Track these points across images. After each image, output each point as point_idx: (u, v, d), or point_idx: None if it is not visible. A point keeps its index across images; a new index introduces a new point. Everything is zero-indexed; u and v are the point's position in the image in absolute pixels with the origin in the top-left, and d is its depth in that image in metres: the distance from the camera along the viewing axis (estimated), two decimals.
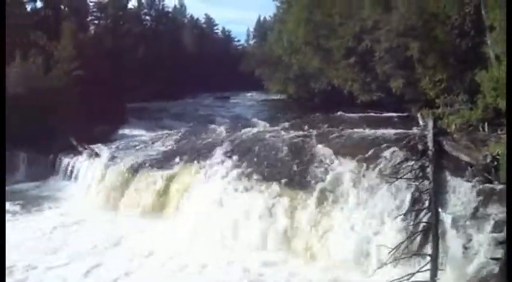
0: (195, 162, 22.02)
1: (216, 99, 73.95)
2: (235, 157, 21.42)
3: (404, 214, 14.54)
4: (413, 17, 28.45)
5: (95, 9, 69.66)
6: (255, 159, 20.85)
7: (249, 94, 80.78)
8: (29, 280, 15.66)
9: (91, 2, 67.96)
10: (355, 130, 25.13)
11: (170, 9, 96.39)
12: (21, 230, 20.32)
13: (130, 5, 76.85)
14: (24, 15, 43.73)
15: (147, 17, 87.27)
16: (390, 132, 23.72)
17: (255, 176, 19.01)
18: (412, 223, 14.25)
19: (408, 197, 15.09)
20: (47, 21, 45.42)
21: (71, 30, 39.06)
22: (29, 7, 47.98)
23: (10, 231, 19.71)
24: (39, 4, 48.84)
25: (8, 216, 21.99)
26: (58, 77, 34.10)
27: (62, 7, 51.61)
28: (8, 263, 16.07)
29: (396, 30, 30.50)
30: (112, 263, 16.72)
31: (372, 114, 34.64)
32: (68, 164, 28.12)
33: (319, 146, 21.05)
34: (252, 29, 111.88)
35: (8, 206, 23.20)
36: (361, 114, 34.45)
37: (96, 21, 68.21)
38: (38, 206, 23.71)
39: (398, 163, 17.31)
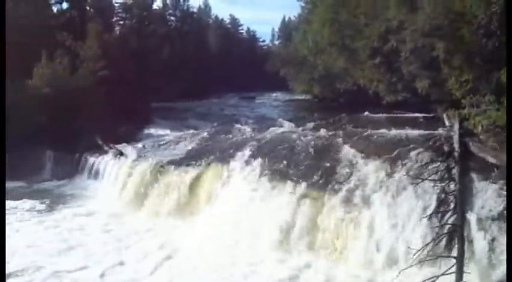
0: (221, 162, 22.04)
1: (241, 99, 73.92)
2: (261, 157, 21.31)
3: (430, 216, 14.45)
4: (439, 17, 28.14)
5: (120, 10, 70.20)
6: (281, 160, 20.74)
7: (274, 94, 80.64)
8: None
9: (116, 3, 68.57)
10: (381, 131, 24.97)
11: (195, 10, 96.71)
12: (45, 228, 20.59)
13: (155, 6, 77.27)
14: (50, 16, 44.13)
15: (172, 18, 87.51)
16: (416, 133, 23.60)
17: (280, 177, 19.01)
18: (437, 225, 14.15)
19: (434, 199, 14.98)
20: (72, 22, 45.71)
21: (97, 31, 39.32)
22: (55, 8, 48.45)
23: (34, 229, 20.15)
24: (65, 5, 49.24)
25: (33, 214, 22.52)
26: (84, 77, 34.42)
27: (88, 8, 51.95)
28: (33, 262, 16.42)
29: (421, 30, 30.21)
30: (134, 262, 16.98)
31: (398, 115, 34.40)
32: (94, 163, 28.39)
33: (345, 146, 20.97)
34: (276, 29, 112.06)
35: (35, 204, 23.83)
36: (386, 115, 34.28)
37: (121, 22, 68.62)
38: (63, 204, 24.06)
39: (424, 164, 17.23)
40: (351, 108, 37.50)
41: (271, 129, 29.02)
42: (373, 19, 37.27)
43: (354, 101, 42.61)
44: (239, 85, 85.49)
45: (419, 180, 15.90)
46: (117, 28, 62.60)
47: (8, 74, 29.91)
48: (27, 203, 23.92)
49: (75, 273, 16.14)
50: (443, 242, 13.73)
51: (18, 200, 24.33)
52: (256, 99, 73.95)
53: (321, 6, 48.23)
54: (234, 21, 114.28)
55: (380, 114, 34.72)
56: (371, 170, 17.74)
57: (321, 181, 17.98)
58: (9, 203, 23.22)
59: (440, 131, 22.41)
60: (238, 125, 34.97)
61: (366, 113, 35.70)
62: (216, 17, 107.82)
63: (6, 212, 21.78)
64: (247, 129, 31.98)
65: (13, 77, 30.07)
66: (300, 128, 29.13)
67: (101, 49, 37.47)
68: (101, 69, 35.71)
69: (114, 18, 66.44)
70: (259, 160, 20.95)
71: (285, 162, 20.34)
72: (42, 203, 23.94)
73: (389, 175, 17.09)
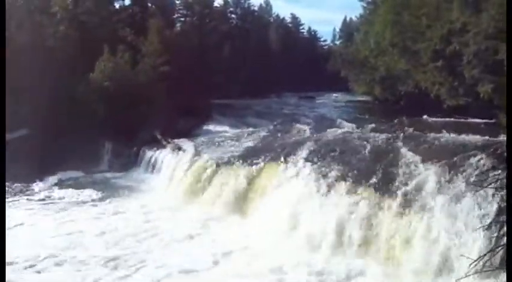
0: (279, 160, 22.05)
1: (300, 98, 73.95)
2: (319, 157, 21.33)
3: (489, 225, 14.23)
4: (503, 19, 27.75)
5: (181, 7, 71.12)
6: (339, 161, 20.69)
7: (335, 95, 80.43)
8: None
9: (177, 0, 69.56)
10: (441, 135, 24.80)
11: (256, 8, 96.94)
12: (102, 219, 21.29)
13: (216, 3, 78.03)
14: (112, 12, 45.14)
15: (233, 16, 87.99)
16: (476, 138, 23.30)
17: (337, 178, 18.88)
18: (496, 235, 13.93)
19: (494, 207, 14.77)
20: (134, 18, 46.65)
21: (158, 27, 40.01)
22: (117, 4, 49.60)
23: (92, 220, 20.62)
24: (127, 1, 50.33)
25: (89, 205, 23.45)
26: (144, 72, 35.22)
27: (150, 5, 52.78)
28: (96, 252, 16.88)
29: (485, 33, 29.92)
30: (193, 257, 17.16)
31: (458, 119, 33.99)
32: (151, 157, 29.11)
33: (404, 149, 20.84)
34: (338, 29, 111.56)
35: (92, 193, 25.03)
36: (446, 119, 33.96)
37: (182, 19, 69.49)
38: (120, 196, 24.73)
39: (485, 171, 16.98)
40: (412, 111, 37.12)
41: (331, 130, 29.03)
42: (436, 21, 36.95)
43: (414, 104, 42.15)
44: (299, 85, 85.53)
45: (479, 188, 15.67)
46: (178, 25, 63.33)
47: (70, 68, 31.03)
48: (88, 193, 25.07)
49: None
50: (501, 253, 13.49)
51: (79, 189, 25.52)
52: (316, 99, 73.84)
53: (383, 7, 47.96)
54: (295, 20, 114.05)
55: (440, 119, 34.35)
56: (430, 174, 17.58)
57: (378, 183, 17.80)
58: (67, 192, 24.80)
59: (502, 137, 22.02)
60: (298, 125, 34.82)
61: (425, 116, 35.34)
62: (277, 15, 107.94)
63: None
64: (307, 129, 31.87)
65: (75, 70, 31.02)
66: (360, 129, 29.09)
67: (162, 45, 38.08)
68: (162, 65, 36.35)
69: (176, 15, 67.31)
70: (317, 160, 20.99)
71: (343, 163, 20.28)
72: (98, 194, 24.93)
73: (449, 181, 16.90)
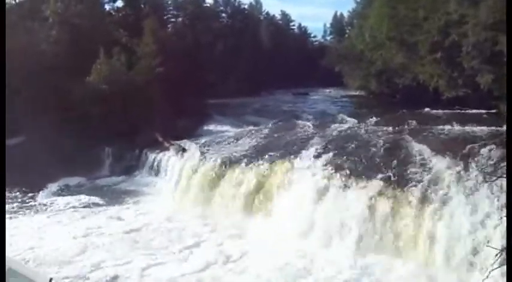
0: (287, 158, 21.58)
1: (294, 95, 73.58)
2: (329, 154, 21.00)
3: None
4: (502, 10, 27.61)
5: (171, 8, 71.05)
6: (350, 156, 20.46)
7: (327, 90, 79.89)
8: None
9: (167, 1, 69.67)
10: (446, 127, 24.83)
11: (246, 7, 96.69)
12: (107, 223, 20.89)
13: (206, 3, 78.12)
14: (104, 14, 44.89)
15: (224, 15, 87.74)
16: (482, 129, 23.24)
17: (351, 174, 18.60)
18: None
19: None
20: (127, 20, 46.42)
21: (152, 28, 39.69)
22: (108, 6, 49.43)
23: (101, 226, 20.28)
24: (119, 3, 50.13)
25: (93, 209, 22.92)
26: (141, 73, 34.78)
27: (142, 6, 52.47)
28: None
29: (484, 24, 29.77)
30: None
31: (459, 111, 33.88)
32: (154, 160, 28.45)
33: (413, 142, 20.76)
34: (328, 25, 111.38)
35: (96, 200, 24.29)
36: (448, 111, 33.80)
37: (173, 19, 69.37)
38: (124, 201, 24.20)
39: (498, 161, 16.85)
40: (410, 104, 37.02)
41: (335, 125, 28.85)
42: (433, 13, 36.75)
43: (411, 97, 41.88)
44: (291, 81, 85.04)
45: (494, 178, 15.49)
46: (169, 25, 63.10)
47: (66, 72, 30.70)
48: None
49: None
50: None
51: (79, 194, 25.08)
52: (310, 95, 73.52)
53: (378, 1, 47.72)
54: (285, 17, 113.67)
55: (441, 110, 34.25)
56: (444, 167, 17.43)
57: (394, 178, 17.58)
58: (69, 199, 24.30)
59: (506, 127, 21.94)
60: (299, 121, 34.61)
61: (427, 109, 35.25)
62: (267, 13, 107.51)
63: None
64: (309, 125, 31.56)
65: (71, 74, 30.71)
66: (363, 124, 28.88)
67: (157, 45, 37.78)
68: (158, 66, 36.03)
69: (166, 16, 67.18)
70: (328, 157, 20.65)
71: (355, 159, 20.07)
72: (102, 199, 24.32)
73: (463, 172, 16.76)
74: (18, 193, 24.96)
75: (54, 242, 18.34)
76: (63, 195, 25.25)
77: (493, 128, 23.35)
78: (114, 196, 24.97)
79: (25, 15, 35.77)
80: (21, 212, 22.56)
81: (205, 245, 18.31)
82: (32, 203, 24.03)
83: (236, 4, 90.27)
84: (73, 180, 27.58)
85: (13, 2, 37.27)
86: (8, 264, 7.96)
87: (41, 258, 16.70)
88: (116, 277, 15.66)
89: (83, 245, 18.02)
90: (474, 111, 33.09)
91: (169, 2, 71.78)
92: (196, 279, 15.45)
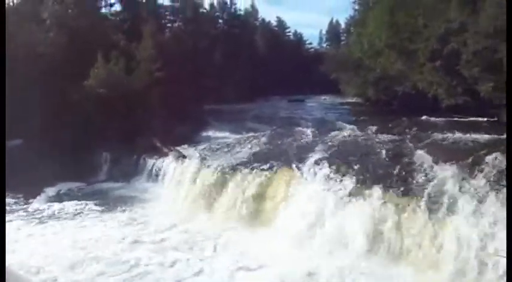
0: (289, 166, 21.24)
1: (290, 102, 73.49)
2: (332, 161, 20.66)
3: None
4: (502, 18, 27.52)
5: (168, 13, 71.11)
6: (354, 164, 20.14)
7: (323, 97, 79.93)
8: None
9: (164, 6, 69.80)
10: (448, 134, 24.60)
11: (242, 13, 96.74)
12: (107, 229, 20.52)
13: (202, 9, 78.49)
14: (103, 18, 44.73)
15: (220, 20, 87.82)
16: (484, 137, 23.12)
17: (356, 182, 18.28)
18: None
19: None
20: (126, 23, 46.34)
21: (151, 32, 39.49)
22: (105, 10, 49.33)
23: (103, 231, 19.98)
24: (117, 7, 50.07)
25: (92, 215, 22.51)
26: (139, 78, 34.52)
27: (140, 10, 52.41)
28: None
29: (484, 32, 29.65)
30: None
31: (459, 119, 33.82)
32: (153, 165, 28.05)
33: (417, 150, 20.58)
34: (324, 32, 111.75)
35: (93, 206, 23.75)
36: (447, 119, 33.80)
37: (169, 25, 69.39)
38: (123, 208, 23.50)
39: (504, 169, 16.68)
40: (408, 112, 36.90)
41: (335, 132, 28.63)
42: (432, 20, 36.63)
43: (409, 104, 41.75)
44: (286, 88, 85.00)
45: (501, 186, 15.34)
46: (166, 30, 63.06)
47: (63, 75, 30.44)
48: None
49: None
50: None
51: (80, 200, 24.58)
52: (306, 102, 73.46)
53: (377, 8, 47.59)
54: (281, 23, 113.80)
55: (440, 118, 34.15)
56: (449, 175, 17.19)
57: (399, 186, 17.37)
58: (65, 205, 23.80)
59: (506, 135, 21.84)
60: (299, 128, 34.35)
61: (425, 116, 35.22)
62: (263, 19, 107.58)
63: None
64: (309, 132, 31.34)
65: (69, 78, 30.45)
66: (364, 132, 28.69)
67: (156, 50, 37.55)
68: (157, 70, 35.80)
69: (163, 20, 67.24)
70: (330, 164, 20.29)
71: (358, 167, 19.75)
72: (100, 206, 23.80)
73: (469, 180, 16.55)
74: (11, 199, 24.28)
75: (48, 250, 17.90)
76: (60, 201, 24.59)
77: (495, 136, 23.20)
78: (111, 202, 24.36)
79: (22, 16, 35.49)
80: (15, 218, 21.92)
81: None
82: (27, 208, 23.55)
83: (232, 10, 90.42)
84: (70, 185, 27.25)
85: (11, 3, 36.90)
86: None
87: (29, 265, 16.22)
88: None
89: (78, 254, 17.46)
90: (474, 119, 33.00)
91: (166, 6, 72.13)
92: None
